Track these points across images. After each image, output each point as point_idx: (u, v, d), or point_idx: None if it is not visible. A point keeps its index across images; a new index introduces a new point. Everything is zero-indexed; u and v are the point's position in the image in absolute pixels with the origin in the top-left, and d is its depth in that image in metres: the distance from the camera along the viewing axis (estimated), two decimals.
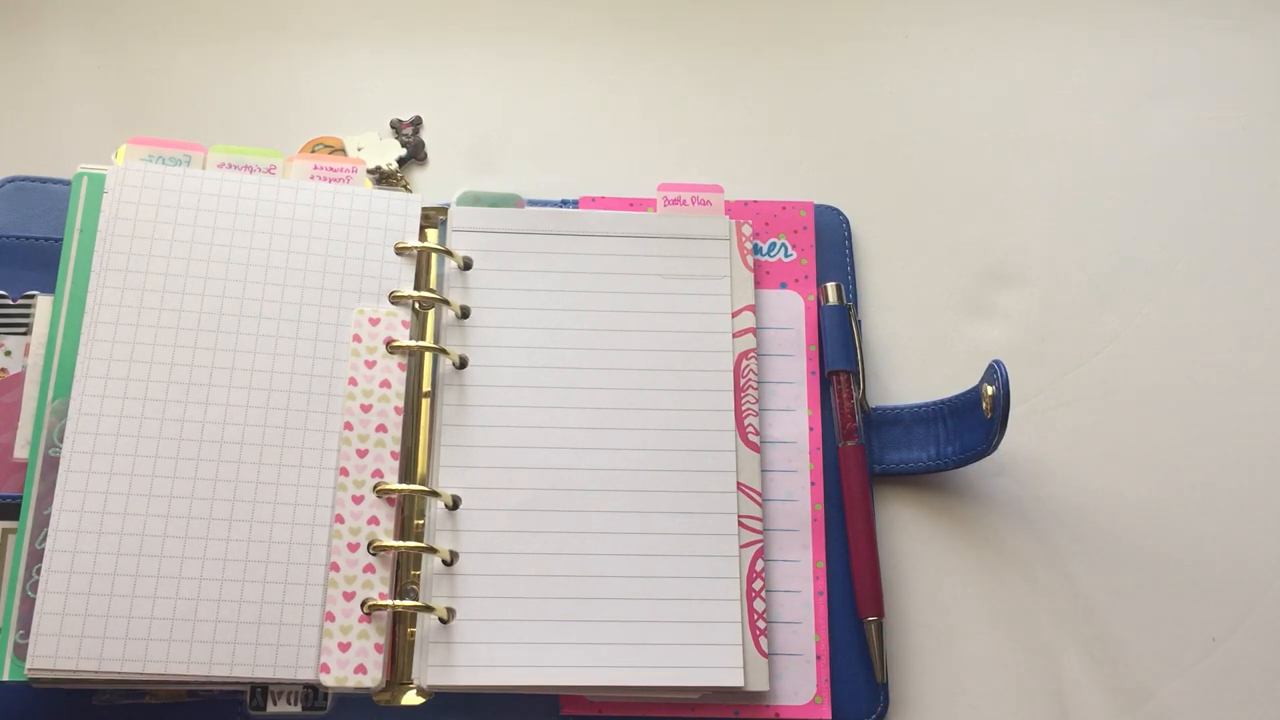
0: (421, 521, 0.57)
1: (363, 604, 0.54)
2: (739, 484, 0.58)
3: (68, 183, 0.62)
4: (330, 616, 0.54)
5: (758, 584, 0.57)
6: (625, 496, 0.57)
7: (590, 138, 0.69)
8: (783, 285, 0.64)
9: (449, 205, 0.63)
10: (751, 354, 0.61)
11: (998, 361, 0.56)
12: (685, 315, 0.61)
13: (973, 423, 0.58)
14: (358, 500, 0.56)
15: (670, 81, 0.71)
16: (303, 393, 0.57)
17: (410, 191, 0.65)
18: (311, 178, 0.62)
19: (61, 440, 0.54)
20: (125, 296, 0.57)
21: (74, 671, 0.51)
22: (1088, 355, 0.64)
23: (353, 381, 0.57)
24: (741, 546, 0.57)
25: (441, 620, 0.55)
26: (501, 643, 0.54)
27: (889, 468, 0.61)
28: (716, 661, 0.55)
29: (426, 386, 0.60)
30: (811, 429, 0.61)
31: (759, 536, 0.58)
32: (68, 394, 0.55)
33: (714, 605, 0.56)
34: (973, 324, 0.65)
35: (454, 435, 0.58)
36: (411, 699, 0.55)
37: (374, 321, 0.59)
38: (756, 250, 0.64)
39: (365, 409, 0.57)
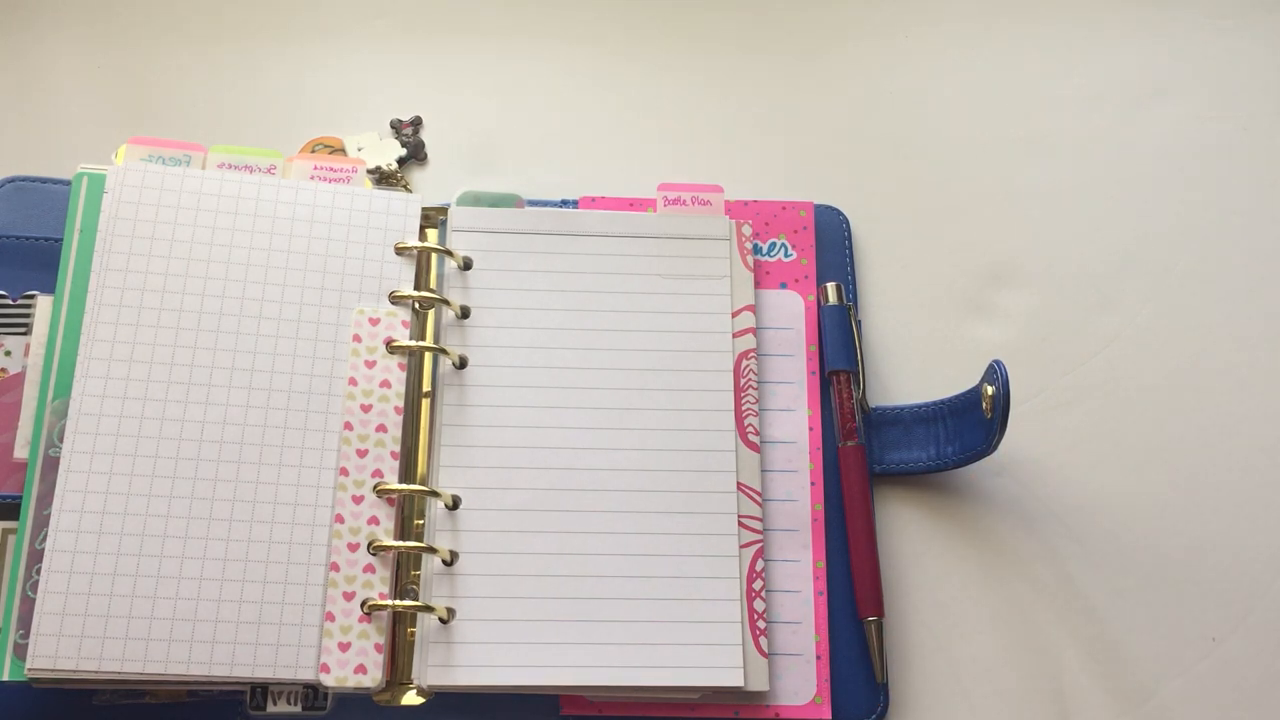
0: (421, 521, 0.57)
1: (363, 604, 0.54)
2: (739, 484, 0.58)
3: (68, 183, 0.62)
4: (330, 616, 0.54)
5: (758, 584, 0.57)
6: (625, 496, 0.57)
7: (590, 138, 0.69)
8: (783, 285, 0.64)
9: (449, 205, 0.63)
10: (751, 354, 0.61)
11: (998, 361, 0.56)
12: (685, 315, 0.61)
13: (973, 423, 0.58)
14: (358, 500, 0.56)
15: (670, 81, 0.71)
16: (303, 393, 0.57)
17: (410, 191, 0.65)
18: (311, 178, 0.62)
19: (61, 440, 0.54)
20: (125, 296, 0.57)
21: (74, 671, 0.51)
22: (1088, 355, 0.64)
23: (353, 381, 0.57)
24: (741, 546, 0.57)
25: (441, 620, 0.55)
26: (501, 643, 0.54)
27: (889, 468, 0.61)
28: (716, 661, 0.55)
29: (426, 386, 0.60)
30: (811, 429, 0.61)
31: (759, 536, 0.58)
32: (68, 394, 0.55)
33: (714, 605, 0.56)
34: (973, 324, 0.65)
35: (454, 435, 0.58)
36: (411, 699, 0.55)
37: (374, 321, 0.59)
38: (756, 250, 0.64)
39: (365, 409, 0.57)
